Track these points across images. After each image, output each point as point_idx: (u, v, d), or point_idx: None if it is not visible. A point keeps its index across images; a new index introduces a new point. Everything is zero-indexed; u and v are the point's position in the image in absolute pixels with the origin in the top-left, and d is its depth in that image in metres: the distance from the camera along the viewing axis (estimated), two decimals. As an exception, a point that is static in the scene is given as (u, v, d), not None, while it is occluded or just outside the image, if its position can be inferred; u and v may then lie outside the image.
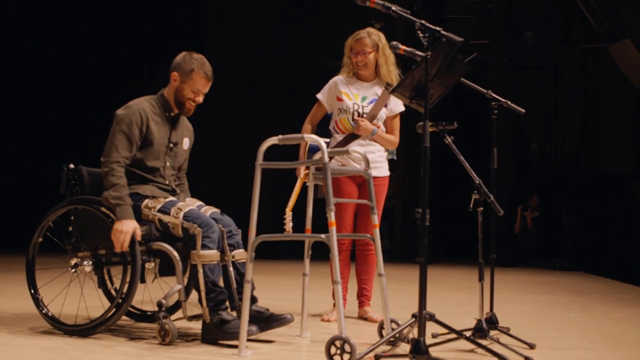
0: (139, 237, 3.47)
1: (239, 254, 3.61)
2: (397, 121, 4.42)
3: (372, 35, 4.28)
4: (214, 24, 11.45)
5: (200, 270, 3.39)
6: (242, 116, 11.18)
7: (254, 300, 3.51)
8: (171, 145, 3.76)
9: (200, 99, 3.75)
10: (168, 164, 3.77)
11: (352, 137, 4.28)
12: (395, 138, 4.41)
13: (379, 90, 4.32)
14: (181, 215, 3.49)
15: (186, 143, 3.88)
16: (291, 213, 4.04)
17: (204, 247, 3.41)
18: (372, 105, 4.28)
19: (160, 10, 11.33)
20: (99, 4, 11.04)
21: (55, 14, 10.85)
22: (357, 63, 4.30)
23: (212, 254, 3.43)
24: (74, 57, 11.09)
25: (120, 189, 3.49)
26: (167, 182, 3.75)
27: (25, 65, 10.88)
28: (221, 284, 3.47)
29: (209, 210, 3.69)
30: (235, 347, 3.19)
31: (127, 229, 3.43)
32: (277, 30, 11.33)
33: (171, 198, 3.65)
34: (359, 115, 4.28)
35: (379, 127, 4.31)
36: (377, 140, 4.32)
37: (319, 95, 4.41)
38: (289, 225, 3.99)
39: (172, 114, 3.75)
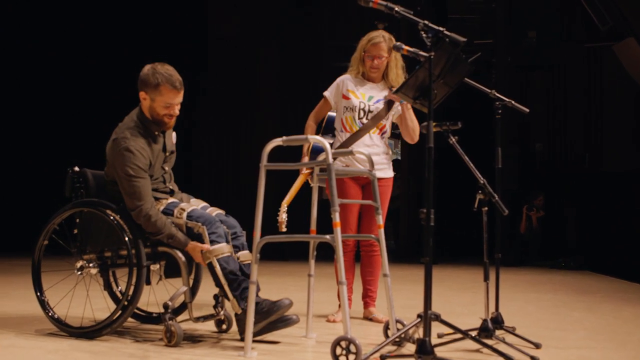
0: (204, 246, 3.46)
1: (244, 255, 3.61)
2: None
3: (387, 39, 4.28)
4: (216, 25, 11.46)
5: (217, 265, 3.40)
6: (245, 117, 11.19)
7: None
8: (167, 154, 3.76)
9: (175, 110, 3.63)
10: (167, 168, 3.78)
11: (356, 136, 4.28)
12: (418, 128, 4.31)
13: (386, 92, 4.32)
14: (184, 215, 3.51)
15: (174, 138, 3.86)
16: (286, 207, 4.06)
17: (212, 242, 3.42)
18: (378, 104, 4.28)
19: (161, 10, 11.34)
20: (100, 4, 11.05)
21: (55, 14, 10.86)
22: (371, 67, 4.29)
23: (223, 247, 3.44)
24: (75, 58, 11.11)
25: (166, 228, 3.47)
26: (165, 185, 3.75)
27: (26, 66, 10.89)
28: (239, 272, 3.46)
29: (214, 212, 3.70)
30: (241, 348, 3.20)
31: (196, 245, 3.45)
32: (278, 31, 11.33)
33: (172, 199, 3.66)
34: (364, 113, 4.28)
35: (384, 126, 4.32)
36: (404, 113, 4.23)
37: (325, 93, 4.40)
38: (282, 216, 4.01)
39: (159, 131, 3.69)
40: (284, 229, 4.25)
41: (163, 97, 3.57)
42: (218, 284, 3.44)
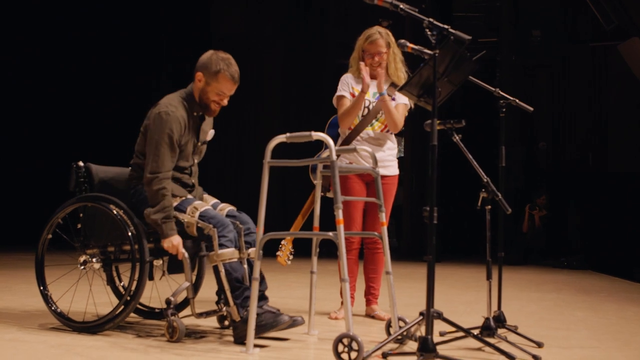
0: (181, 251, 3.46)
1: (255, 252, 3.60)
2: (400, 108, 4.34)
3: (384, 35, 4.28)
4: (220, 24, 11.47)
5: (222, 270, 3.39)
6: (249, 115, 11.19)
7: (265, 299, 3.51)
8: (199, 144, 3.75)
9: (225, 101, 3.66)
10: (195, 161, 3.77)
11: (356, 131, 4.28)
12: (400, 117, 4.31)
13: (387, 86, 4.31)
14: (197, 214, 3.49)
15: (211, 134, 3.85)
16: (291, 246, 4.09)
17: (221, 246, 3.41)
18: (378, 101, 4.28)
19: (164, 9, 11.35)
20: (103, 3, 11.07)
21: (59, 12, 10.87)
22: (372, 64, 4.28)
23: (231, 252, 3.42)
24: (78, 55, 11.13)
25: (168, 209, 3.46)
26: (192, 179, 3.74)
27: (30, 61, 10.91)
28: (246, 281, 3.46)
29: (225, 208, 3.69)
30: (244, 344, 3.20)
31: (176, 242, 3.45)
32: (282, 29, 11.32)
33: (188, 196, 3.65)
34: (369, 111, 4.28)
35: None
36: (384, 105, 4.22)
37: (342, 93, 4.34)
38: (284, 252, 4.05)
39: (200, 113, 3.71)
40: (287, 264, 4.31)
41: (219, 85, 3.59)
42: (221, 288, 3.43)
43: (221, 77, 3.59)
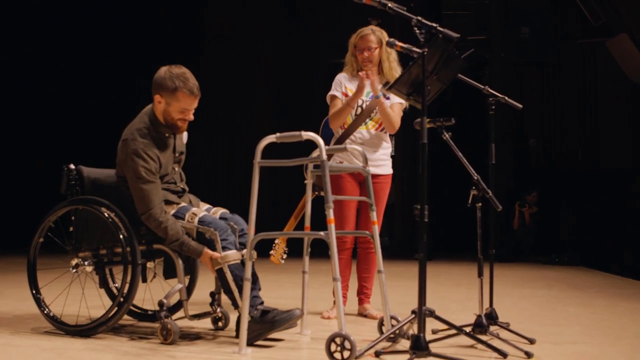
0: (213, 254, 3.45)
1: (247, 252, 3.60)
2: (395, 108, 4.34)
3: (376, 32, 4.30)
4: (212, 25, 11.46)
5: (227, 272, 3.39)
6: (240, 115, 11.18)
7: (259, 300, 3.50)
8: (177, 155, 3.75)
9: (190, 116, 3.59)
10: (176, 169, 3.76)
11: (349, 130, 4.28)
12: (397, 117, 4.32)
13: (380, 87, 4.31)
14: (196, 220, 3.50)
15: (185, 137, 3.84)
16: (284, 245, 4.08)
17: (224, 248, 3.41)
18: (371, 100, 4.29)
19: (159, 11, 11.33)
20: (100, 6, 11.04)
21: (57, 14, 10.84)
22: (362, 60, 4.29)
23: (234, 254, 3.43)
24: (71, 57, 11.10)
25: (177, 236, 3.44)
26: (177, 185, 3.73)
27: (27, 66, 10.88)
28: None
29: (218, 211, 3.68)
30: (237, 345, 3.20)
31: (208, 254, 3.43)
32: (274, 29, 11.32)
33: (184, 203, 3.65)
34: (362, 111, 4.28)
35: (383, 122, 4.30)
36: (380, 108, 4.24)
37: (334, 93, 4.35)
38: (278, 250, 4.04)
39: (170, 133, 3.65)
40: (281, 262, 4.30)
41: (179, 103, 3.51)
42: (227, 290, 3.42)
43: (180, 95, 3.50)
